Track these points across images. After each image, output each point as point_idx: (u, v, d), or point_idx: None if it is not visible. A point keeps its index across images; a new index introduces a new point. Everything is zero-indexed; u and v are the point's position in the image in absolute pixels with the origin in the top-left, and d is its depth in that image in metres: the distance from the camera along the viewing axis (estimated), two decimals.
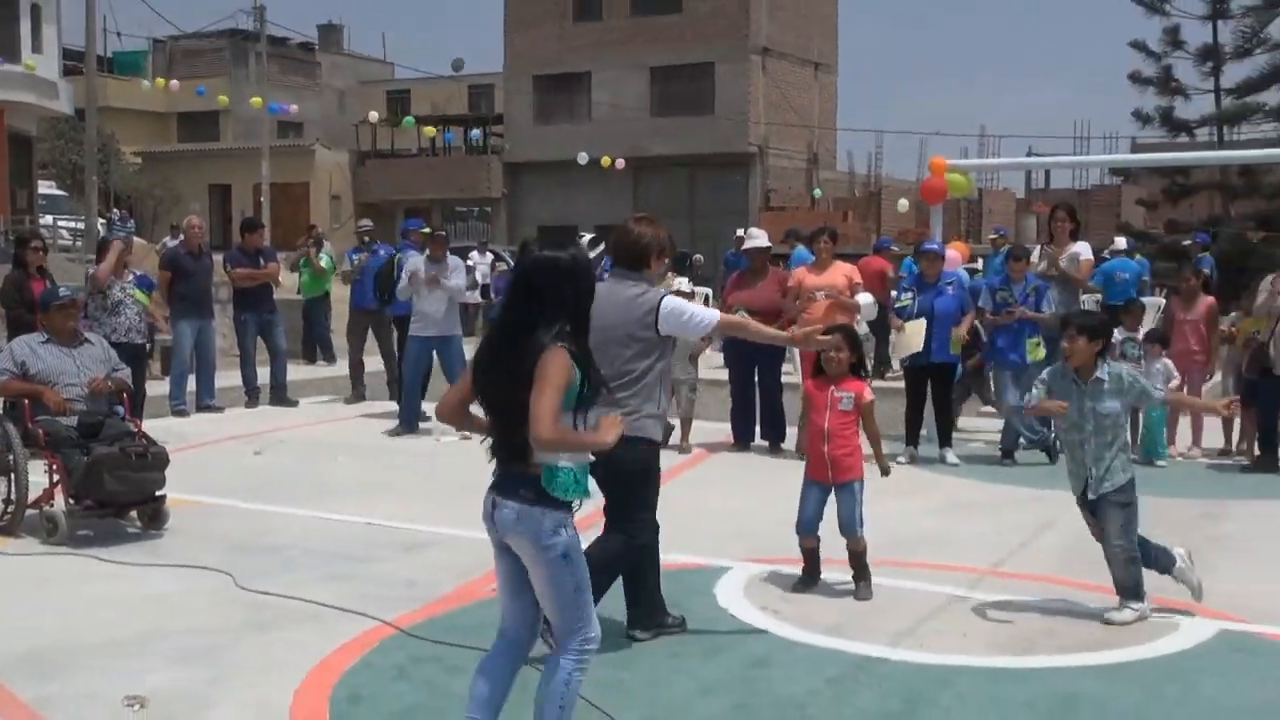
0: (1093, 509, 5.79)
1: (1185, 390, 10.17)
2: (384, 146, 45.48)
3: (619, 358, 5.12)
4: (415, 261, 10.97)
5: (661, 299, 5.23)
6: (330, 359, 16.44)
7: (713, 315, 5.46)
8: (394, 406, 11.74)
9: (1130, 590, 5.66)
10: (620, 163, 35.80)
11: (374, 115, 37.83)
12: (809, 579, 6.14)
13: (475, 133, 42.24)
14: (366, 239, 14.20)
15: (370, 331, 13.07)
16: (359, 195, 44.61)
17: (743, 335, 7.10)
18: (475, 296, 19.02)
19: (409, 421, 11.07)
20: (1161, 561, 5.82)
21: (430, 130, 36.55)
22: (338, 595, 5.93)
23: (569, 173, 40.48)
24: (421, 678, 4.91)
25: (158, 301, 11.81)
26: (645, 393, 5.21)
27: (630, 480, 5.17)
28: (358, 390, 13.17)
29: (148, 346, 11.58)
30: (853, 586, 6.07)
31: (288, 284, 19.97)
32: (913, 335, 9.56)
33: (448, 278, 10.83)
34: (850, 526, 5.98)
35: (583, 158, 36.15)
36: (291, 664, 4.99)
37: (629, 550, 5.27)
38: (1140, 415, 9.80)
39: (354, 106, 49.57)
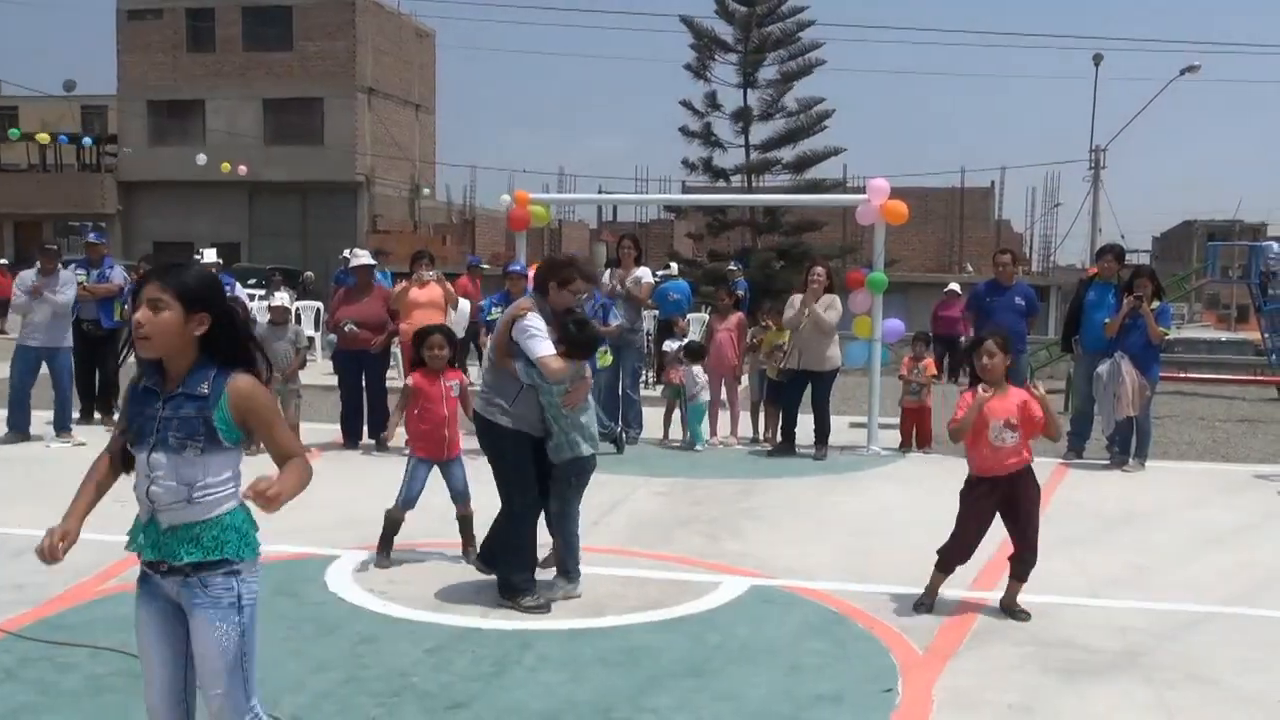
0: None
1: (723, 386, 10.87)
2: None
3: (494, 354, 5.56)
4: (25, 274, 10.23)
5: (516, 318, 5.40)
6: None
7: (544, 350, 5.27)
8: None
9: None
10: (243, 169, 33.89)
11: None
12: (386, 550, 6.12)
13: (88, 140, 38.59)
14: None
15: None
16: None
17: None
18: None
19: (18, 427, 10.01)
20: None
21: (44, 137, 33.01)
22: None
23: (185, 192, 38.05)
24: (30, 678, 4.41)
25: None
26: (496, 385, 5.50)
27: (490, 458, 5.55)
28: None
29: None
30: (448, 563, 6.09)
31: None
32: None
33: (55, 291, 10.04)
34: (466, 494, 6.21)
35: (201, 159, 33.92)
36: None
37: (506, 518, 5.56)
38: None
39: None
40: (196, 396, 2.84)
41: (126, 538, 3.05)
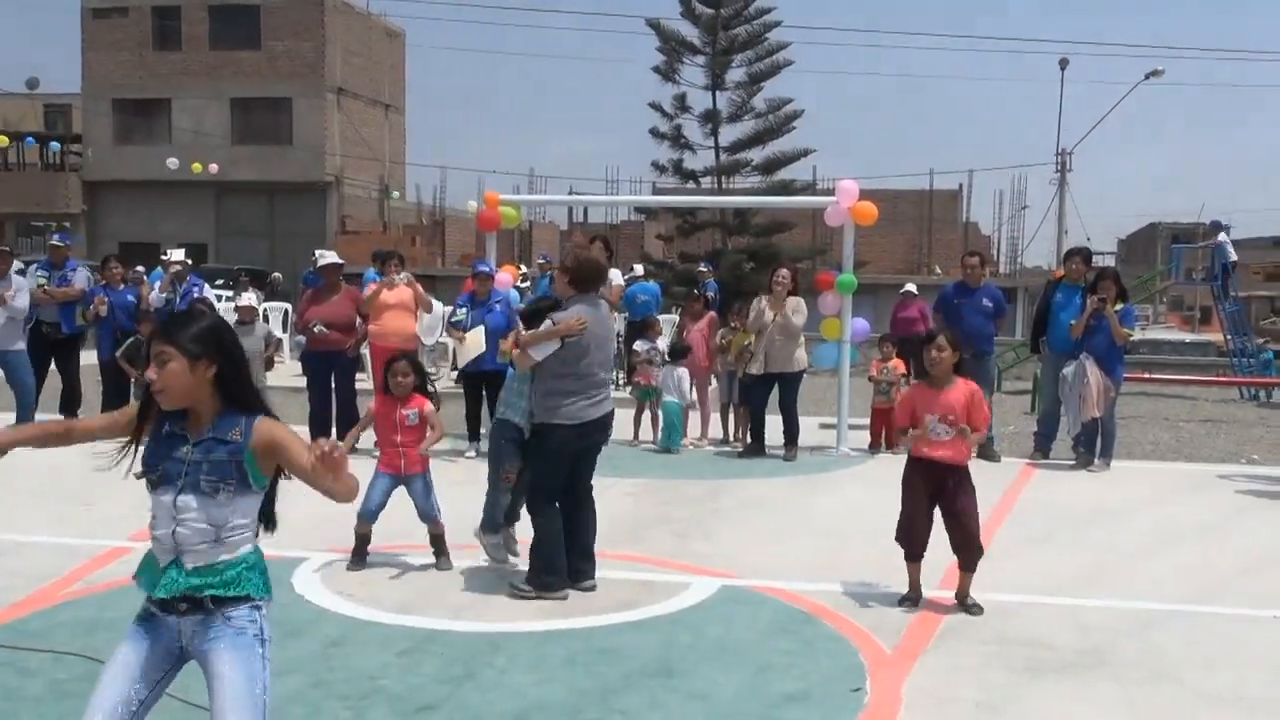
0: None
1: (693, 388, 10.87)
2: None
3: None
4: None
5: None
6: None
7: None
8: None
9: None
10: (214, 167, 33.50)
11: None
12: (359, 560, 6.11)
13: (54, 144, 38.00)
14: None
15: None
16: None
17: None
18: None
19: None
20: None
21: (3, 139, 32.48)
22: None
23: (152, 192, 37.72)
24: None
25: None
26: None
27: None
28: None
29: None
30: (418, 565, 6.09)
31: None
32: (473, 343, 9.65)
33: (12, 296, 9.92)
34: (429, 513, 6.14)
35: (173, 163, 33.54)
36: None
37: None
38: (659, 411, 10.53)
39: None
40: (229, 442, 2.89)
41: (136, 575, 3.00)
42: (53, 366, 10.96)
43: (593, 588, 5.77)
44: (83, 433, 3.14)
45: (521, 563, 6.00)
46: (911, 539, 5.61)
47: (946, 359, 5.53)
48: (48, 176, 41.19)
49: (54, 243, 11.49)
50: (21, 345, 10.10)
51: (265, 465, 2.92)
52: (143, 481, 2.97)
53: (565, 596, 5.66)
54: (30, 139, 36.30)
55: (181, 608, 2.89)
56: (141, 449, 2.99)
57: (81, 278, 11.04)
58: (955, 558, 5.58)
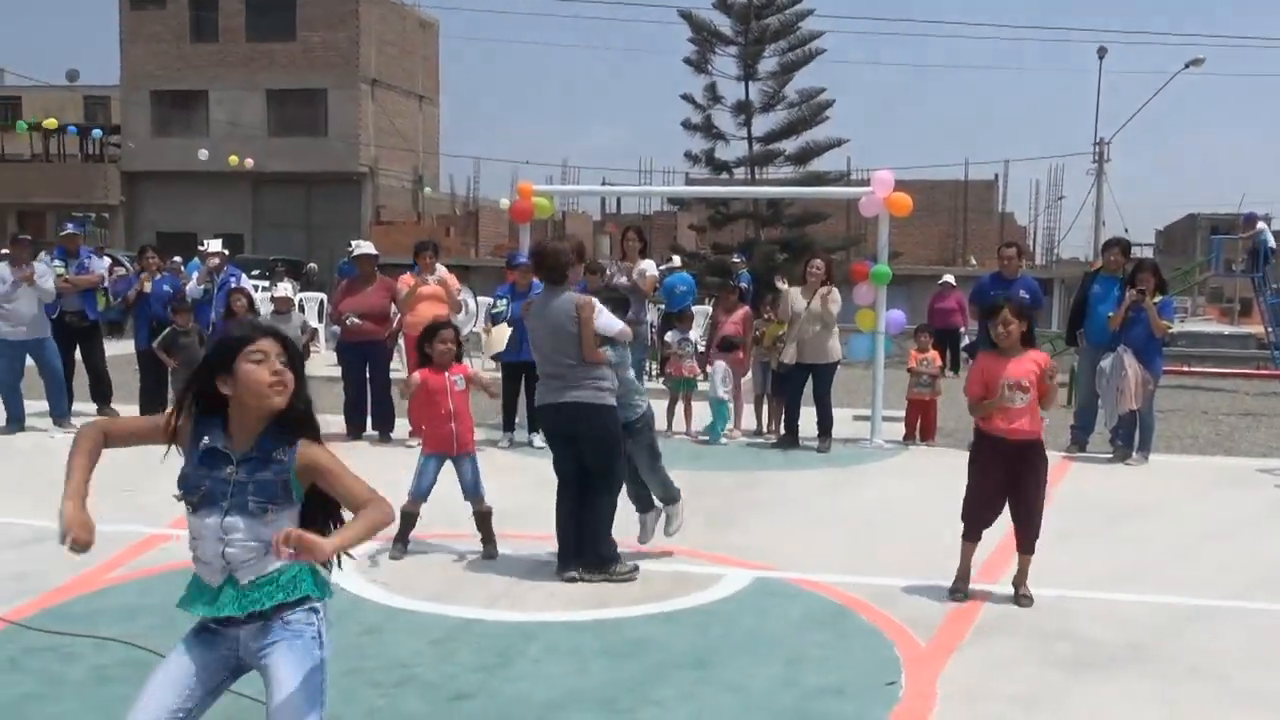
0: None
1: (728, 380, 10.86)
2: None
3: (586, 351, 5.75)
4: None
5: (592, 312, 5.74)
6: None
7: (622, 323, 5.94)
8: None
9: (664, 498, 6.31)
10: (249, 161, 33.70)
11: None
12: (402, 541, 6.11)
13: (97, 132, 38.32)
14: None
15: None
16: None
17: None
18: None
19: (15, 419, 10.03)
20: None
21: (51, 122, 32.76)
22: None
23: (189, 183, 38.05)
24: (34, 667, 4.41)
25: None
26: (594, 374, 5.74)
27: (597, 440, 5.76)
28: None
29: None
30: (453, 554, 6.11)
31: None
32: (498, 335, 9.71)
33: (38, 275, 9.98)
34: (477, 490, 6.16)
35: (203, 154, 33.81)
36: None
37: (605, 494, 5.83)
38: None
39: None
40: (275, 461, 2.85)
41: (183, 605, 2.93)
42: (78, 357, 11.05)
43: (599, 580, 5.75)
44: (120, 436, 3.02)
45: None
46: (980, 518, 5.49)
47: (1015, 330, 5.39)
48: (87, 167, 41.65)
49: (68, 231, 11.38)
50: (48, 333, 10.20)
51: (305, 481, 2.90)
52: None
53: (571, 580, 5.74)
54: (73, 128, 36.64)
55: (240, 617, 2.86)
56: (175, 454, 2.93)
57: (98, 265, 11.10)
58: (1005, 543, 5.48)
